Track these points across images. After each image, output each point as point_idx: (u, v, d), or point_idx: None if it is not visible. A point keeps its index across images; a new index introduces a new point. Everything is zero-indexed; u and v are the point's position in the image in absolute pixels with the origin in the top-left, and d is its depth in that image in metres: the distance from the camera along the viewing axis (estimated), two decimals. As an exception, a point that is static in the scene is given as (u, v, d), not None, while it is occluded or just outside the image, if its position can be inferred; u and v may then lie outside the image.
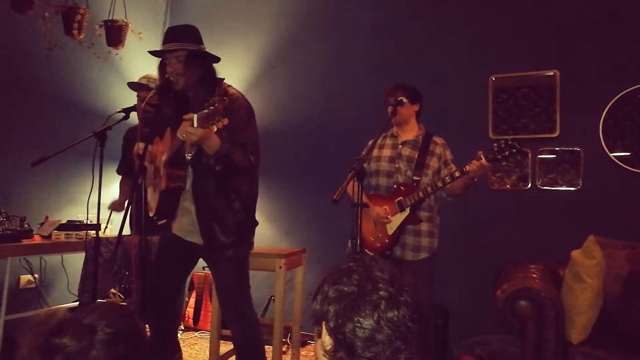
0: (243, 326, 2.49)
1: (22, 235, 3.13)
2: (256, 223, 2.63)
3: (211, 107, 2.08)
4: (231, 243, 2.42)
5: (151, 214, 2.61)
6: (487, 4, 3.74)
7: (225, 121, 2.12)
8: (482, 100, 3.66)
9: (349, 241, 2.64)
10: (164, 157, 2.51)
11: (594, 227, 3.13)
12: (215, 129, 2.15)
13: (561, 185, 3.44)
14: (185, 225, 2.50)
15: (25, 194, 3.62)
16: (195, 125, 2.10)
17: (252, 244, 2.63)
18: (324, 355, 1.15)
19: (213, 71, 2.55)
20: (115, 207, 3.39)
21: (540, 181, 3.49)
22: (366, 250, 3.01)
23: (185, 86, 2.48)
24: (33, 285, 3.64)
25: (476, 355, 3.27)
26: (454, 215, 3.33)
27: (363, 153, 2.46)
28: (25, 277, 3.61)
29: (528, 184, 3.52)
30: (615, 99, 3.29)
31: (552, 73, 3.47)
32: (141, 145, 2.56)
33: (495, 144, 2.70)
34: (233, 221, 2.42)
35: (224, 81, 2.58)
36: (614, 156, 3.29)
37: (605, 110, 3.32)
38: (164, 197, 2.52)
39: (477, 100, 3.68)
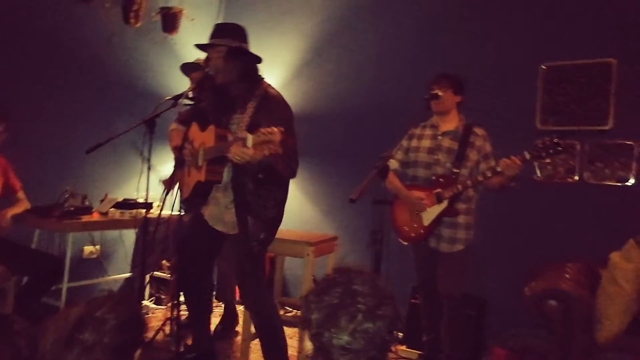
0: (259, 311, 2.64)
1: (82, 212, 3.43)
2: (281, 220, 2.73)
3: (269, 134, 2.12)
4: (260, 238, 2.54)
5: (184, 196, 2.79)
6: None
7: (280, 151, 2.16)
8: (531, 89, 3.52)
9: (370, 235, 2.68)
10: (202, 149, 2.65)
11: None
12: (267, 153, 2.19)
13: (611, 180, 3.28)
14: (216, 214, 2.66)
15: (89, 172, 3.93)
16: (249, 144, 2.17)
17: (274, 237, 2.73)
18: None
19: (254, 69, 2.64)
20: (166, 183, 3.56)
21: (589, 175, 3.35)
22: (400, 240, 3.06)
23: (224, 81, 2.59)
24: (95, 256, 3.98)
25: (508, 347, 3.26)
26: (496, 205, 3.27)
27: (392, 152, 2.47)
28: (89, 248, 3.96)
29: (575, 177, 3.39)
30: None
31: (608, 61, 3.27)
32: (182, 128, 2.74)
33: (539, 142, 2.63)
34: (266, 216, 2.53)
35: (264, 80, 2.66)
36: (670, 152, 3.10)
37: (664, 103, 3.11)
38: (200, 186, 2.68)
39: (526, 89, 3.54)
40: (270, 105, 2.52)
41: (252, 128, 2.38)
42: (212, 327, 3.15)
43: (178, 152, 2.70)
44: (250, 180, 2.49)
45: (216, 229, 2.66)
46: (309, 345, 1.25)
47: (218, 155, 2.52)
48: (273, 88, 2.65)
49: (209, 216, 2.68)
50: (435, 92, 2.85)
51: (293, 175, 2.55)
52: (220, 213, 2.63)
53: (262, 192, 2.51)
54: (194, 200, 2.70)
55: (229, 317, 3.60)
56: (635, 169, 3.20)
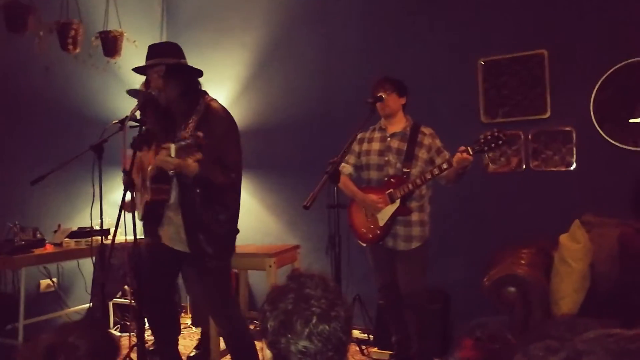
0: (230, 331, 2.63)
1: (35, 246, 3.32)
2: (237, 232, 2.73)
3: (188, 142, 2.18)
4: (216, 254, 2.53)
5: (139, 219, 2.75)
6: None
7: (199, 156, 2.23)
8: (472, 85, 3.65)
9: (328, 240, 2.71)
10: (149, 169, 2.64)
11: (590, 206, 3.14)
12: (191, 162, 2.27)
13: (555, 166, 3.42)
14: (172, 233, 2.63)
15: (40, 204, 3.82)
16: (173, 154, 2.21)
17: (234, 251, 2.73)
18: None
19: (195, 84, 2.64)
20: (127, 207, 3.50)
21: (534, 163, 3.48)
22: (359, 242, 3.10)
23: (167, 100, 2.57)
24: (53, 289, 3.86)
25: (476, 337, 3.34)
26: (452, 199, 3.37)
27: (340, 156, 2.49)
28: (45, 282, 3.83)
29: (522, 166, 3.52)
30: (605, 75, 3.24)
31: (540, 53, 3.43)
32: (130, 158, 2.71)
33: (481, 136, 2.70)
34: (218, 232, 2.53)
35: (207, 94, 2.66)
36: (606, 134, 3.25)
37: (596, 88, 3.27)
38: (148, 207, 2.65)
39: (467, 85, 3.67)
40: (211, 119, 2.54)
41: None
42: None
43: (126, 176, 2.66)
44: (198, 195, 2.48)
45: (175, 248, 2.62)
46: (268, 353, 1.26)
47: (160, 171, 2.51)
48: (215, 101, 2.65)
49: (166, 237, 2.65)
50: (380, 94, 2.90)
51: (233, 185, 2.53)
52: (177, 233, 2.60)
53: (213, 207, 2.51)
54: (146, 223, 2.67)
55: (205, 342, 3.53)
56: (576, 153, 3.36)
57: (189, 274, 2.87)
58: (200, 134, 2.22)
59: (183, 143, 2.20)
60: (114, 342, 1.33)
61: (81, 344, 1.16)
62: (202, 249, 2.51)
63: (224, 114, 2.60)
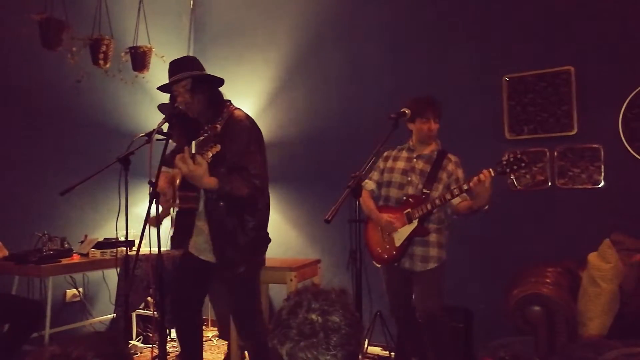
0: (254, 345, 2.61)
1: (62, 255, 3.38)
2: (268, 240, 2.72)
3: (205, 135, 2.23)
4: (242, 261, 2.53)
5: (171, 233, 2.79)
6: (497, 2, 3.68)
7: (218, 147, 2.27)
8: (497, 101, 3.62)
9: (349, 254, 2.69)
10: (177, 181, 2.68)
11: (618, 225, 3.07)
12: (210, 155, 2.30)
13: (582, 184, 3.36)
14: (200, 243, 2.65)
15: (67, 214, 3.91)
16: (193, 151, 2.27)
17: (263, 262, 2.73)
18: None
19: (218, 94, 2.68)
20: (152, 222, 3.55)
21: (560, 180, 3.42)
22: (374, 262, 3.07)
23: (196, 112, 2.62)
24: (78, 299, 3.92)
25: (499, 357, 3.27)
26: (476, 216, 3.30)
27: (362, 171, 2.48)
28: (71, 291, 3.90)
29: (548, 184, 3.46)
30: (635, 92, 3.18)
31: (566, 69, 3.38)
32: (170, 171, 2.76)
33: (504, 158, 2.68)
34: (245, 240, 2.53)
35: (231, 103, 2.70)
36: (635, 152, 3.18)
37: (625, 105, 3.21)
38: (179, 217, 2.69)
39: (492, 101, 3.64)
40: (234, 127, 2.56)
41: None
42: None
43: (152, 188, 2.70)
44: (224, 203, 2.49)
45: (204, 259, 2.63)
46: None
47: (184, 181, 2.55)
48: (239, 110, 2.68)
49: (194, 247, 2.67)
50: (403, 110, 2.87)
51: (256, 191, 2.50)
52: (205, 242, 2.61)
53: (240, 214, 2.52)
54: (179, 236, 2.69)
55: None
56: (604, 171, 3.29)
57: (215, 284, 2.86)
58: (217, 125, 2.26)
59: (201, 138, 2.23)
60: (125, 356, 1.26)
61: (89, 356, 1.11)
62: (228, 256, 2.51)
63: (248, 122, 2.60)
